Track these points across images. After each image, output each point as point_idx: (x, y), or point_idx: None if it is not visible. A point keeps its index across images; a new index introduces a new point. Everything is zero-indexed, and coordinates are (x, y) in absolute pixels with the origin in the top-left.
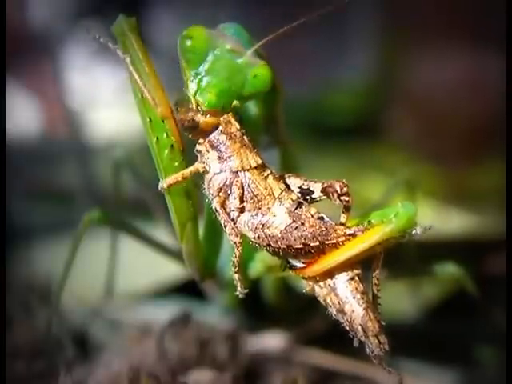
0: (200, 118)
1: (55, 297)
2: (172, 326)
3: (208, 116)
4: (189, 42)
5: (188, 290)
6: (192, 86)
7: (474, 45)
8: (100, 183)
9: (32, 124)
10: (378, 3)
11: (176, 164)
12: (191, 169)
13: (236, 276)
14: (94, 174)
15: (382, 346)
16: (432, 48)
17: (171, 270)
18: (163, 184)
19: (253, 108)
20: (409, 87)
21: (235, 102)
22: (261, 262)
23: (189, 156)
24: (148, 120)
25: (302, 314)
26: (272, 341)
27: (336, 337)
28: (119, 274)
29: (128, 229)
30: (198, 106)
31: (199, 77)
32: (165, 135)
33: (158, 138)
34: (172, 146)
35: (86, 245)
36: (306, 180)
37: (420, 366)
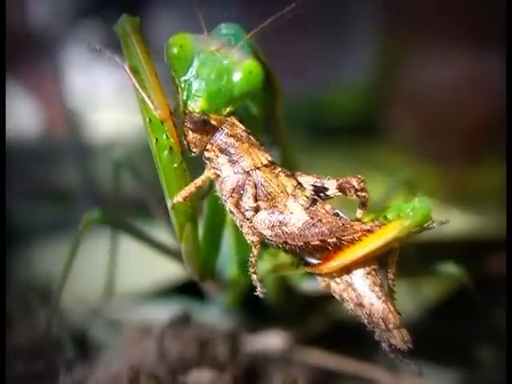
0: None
1: (55, 297)
2: (172, 326)
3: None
4: (175, 50)
5: (188, 290)
6: (182, 93)
7: (474, 44)
8: (100, 183)
9: (32, 124)
10: (378, 3)
11: (175, 165)
12: (202, 178)
13: (254, 276)
14: (94, 173)
15: (405, 339)
16: (432, 48)
17: (171, 270)
18: (178, 198)
19: (252, 108)
20: (409, 87)
21: (229, 107)
22: (268, 261)
23: (188, 158)
24: (148, 121)
25: (302, 314)
26: (272, 341)
27: (336, 337)
28: (119, 273)
29: (128, 229)
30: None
31: (188, 83)
32: (164, 136)
33: (157, 139)
34: (171, 147)
35: (86, 245)
36: (318, 177)
37: (420, 365)
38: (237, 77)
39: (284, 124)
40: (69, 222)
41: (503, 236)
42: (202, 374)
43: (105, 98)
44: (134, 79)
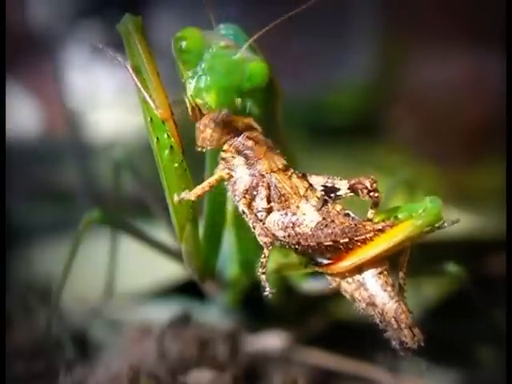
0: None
1: (55, 297)
2: (172, 326)
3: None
4: (183, 43)
5: (188, 290)
6: (191, 87)
7: (473, 44)
8: (100, 183)
9: (32, 124)
10: (378, 3)
11: (176, 165)
12: (216, 177)
13: (264, 277)
14: (94, 173)
15: (416, 338)
16: (431, 48)
17: (171, 270)
18: (191, 196)
19: (252, 108)
20: (408, 87)
21: (237, 101)
22: (273, 262)
23: (189, 158)
24: (149, 120)
25: (302, 314)
26: (272, 341)
27: (336, 337)
28: (119, 273)
29: (128, 229)
30: (197, 107)
31: (197, 77)
32: (165, 135)
33: (158, 139)
34: (172, 147)
35: (86, 245)
36: (329, 178)
37: (420, 366)
38: (246, 73)
39: (283, 124)
40: (69, 222)
41: (503, 236)
42: (201, 373)
43: (105, 98)
44: (135, 78)
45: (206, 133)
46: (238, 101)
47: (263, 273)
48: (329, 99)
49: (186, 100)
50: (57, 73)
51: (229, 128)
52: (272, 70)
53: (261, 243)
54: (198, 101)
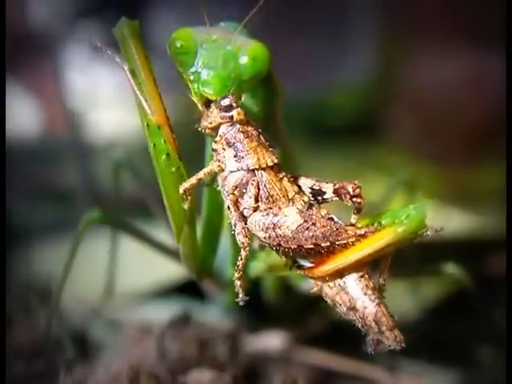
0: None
1: (55, 297)
2: (172, 326)
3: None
4: (178, 45)
5: (188, 290)
6: (193, 86)
7: (474, 44)
8: (100, 183)
9: (32, 124)
10: (378, 3)
11: (173, 169)
12: (205, 170)
13: (238, 282)
14: (94, 173)
15: (397, 339)
16: (432, 48)
17: (171, 270)
18: (179, 190)
19: (252, 107)
20: (409, 87)
21: (241, 91)
22: (263, 261)
23: (188, 164)
24: (146, 125)
25: (302, 314)
26: (272, 341)
27: (336, 337)
28: (119, 273)
29: (128, 229)
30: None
31: (197, 74)
32: (162, 141)
33: (155, 144)
34: (168, 153)
35: (86, 245)
36: (317, 180)
37: (420, 366)
38: (243, 60)
39: (283, 123)
40: (69, 222)
41: (503, 236)
42: (201, 374)
43: (105, 98)
44: (132, 82)
45: (205, 115)
46: (242, 89)
47: (239, 278)
48: (329, 99)
49: (193, 99)
50: (57, 73)
51: (225, 113)
52: (273, 70)
53: (238, 243)
54: (202, 99)
